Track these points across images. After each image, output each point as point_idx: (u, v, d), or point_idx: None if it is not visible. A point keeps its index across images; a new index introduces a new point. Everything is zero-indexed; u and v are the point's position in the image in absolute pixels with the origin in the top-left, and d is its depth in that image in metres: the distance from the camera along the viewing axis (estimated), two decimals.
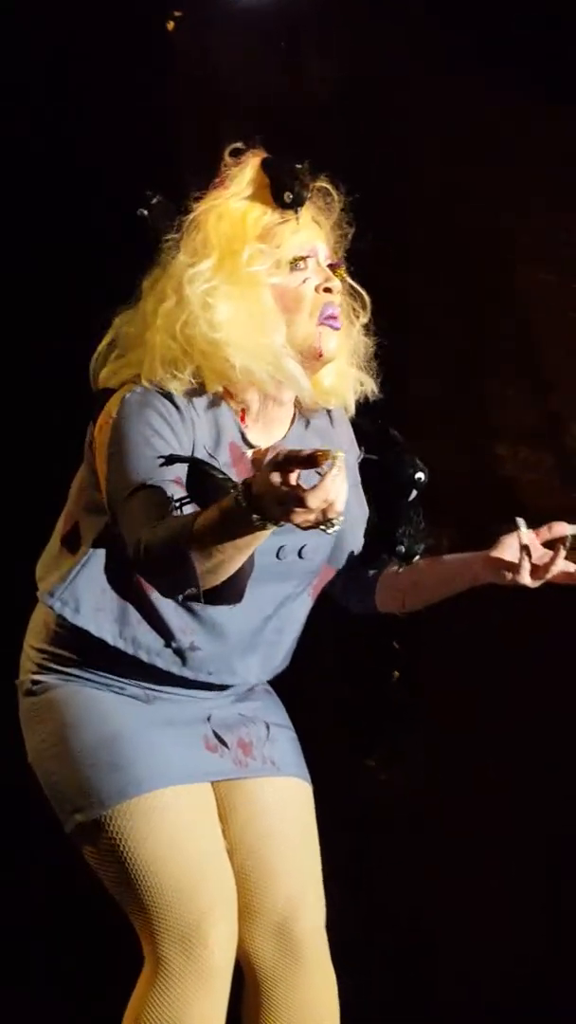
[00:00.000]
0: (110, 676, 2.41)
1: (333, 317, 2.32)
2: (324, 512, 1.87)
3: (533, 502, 3.97)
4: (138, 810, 2.31)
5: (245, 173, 2.41)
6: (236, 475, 2.24)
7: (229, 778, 2.41)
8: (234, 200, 2.38)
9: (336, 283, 2.35)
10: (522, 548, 2.27)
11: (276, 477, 1.89)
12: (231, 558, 2.06)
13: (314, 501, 1.85)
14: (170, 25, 4.09)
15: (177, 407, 2.27)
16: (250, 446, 2.36)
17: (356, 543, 2.49)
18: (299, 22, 4.10)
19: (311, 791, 2.51)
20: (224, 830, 2.43)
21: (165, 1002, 2.28)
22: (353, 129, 3.93)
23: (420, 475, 2.40)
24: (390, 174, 3.90)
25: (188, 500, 2.13)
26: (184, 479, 2.19)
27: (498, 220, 4.49)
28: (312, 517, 1.88)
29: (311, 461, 1.87)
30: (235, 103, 4.01)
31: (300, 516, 1.88)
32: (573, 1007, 3.87)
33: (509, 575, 2.31)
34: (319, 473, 1.86)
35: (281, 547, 2.31)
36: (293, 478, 1.89)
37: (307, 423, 2.40)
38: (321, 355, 2.31)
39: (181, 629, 2.34)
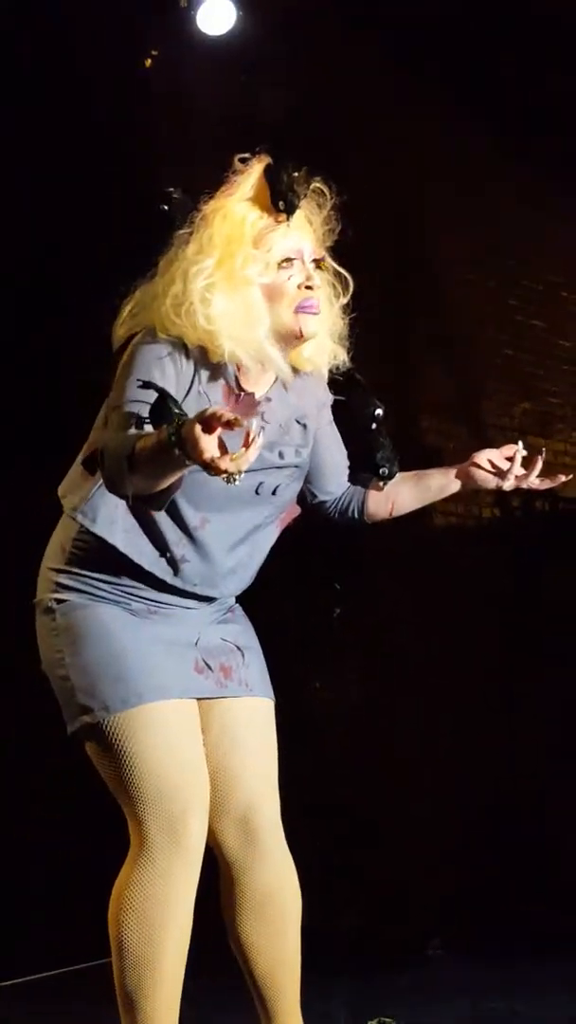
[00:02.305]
0: (119, 588, 2.60)
1: (309, 306, 2.61)
2: (230, 473, 2.28)
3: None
4: (138, 718, 2.54)
5: (250, 178, 2.62)
6: (226, 409, 2.56)
7: (211, 697, 2.65)
8: (237, 203, 2.61)
9: (316, 280, 2.66)
10: (510, 459, 2.70)
11: (198, 429, 2.21)
12: (158, 476, 2.37)
13: (222, 463, 2.26)
14: (148, 63, 4.68)
15: (186, 351, 2.62)
16: (241, 389, 2.62)
17: (337, 472, 2.83)
18: (259, 54, 4.69)
19: (273, 706, 2.80)
20: (202, 740, 2.65)
21: (150, 872, 2.53)
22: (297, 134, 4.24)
23: (378, 411, 2.77)
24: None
25: (149, 421, 2.50)
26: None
27: (421, 210, 5.11)
28: (215, 472, 2.27)
29: (229, 425, 2.19)
30: (205, 125, 4.60)
31: (210, 469, 2.28)
32: (504, 895, 4.58)
33: (494, 480, 2.71)
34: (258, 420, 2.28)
35: (260, 483, 2.66)
36: (214, 437, 2.24)
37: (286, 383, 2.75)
38: (302, 335, 2.65)
39: (174, 542, 2.59)
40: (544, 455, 2.73)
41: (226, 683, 2.65)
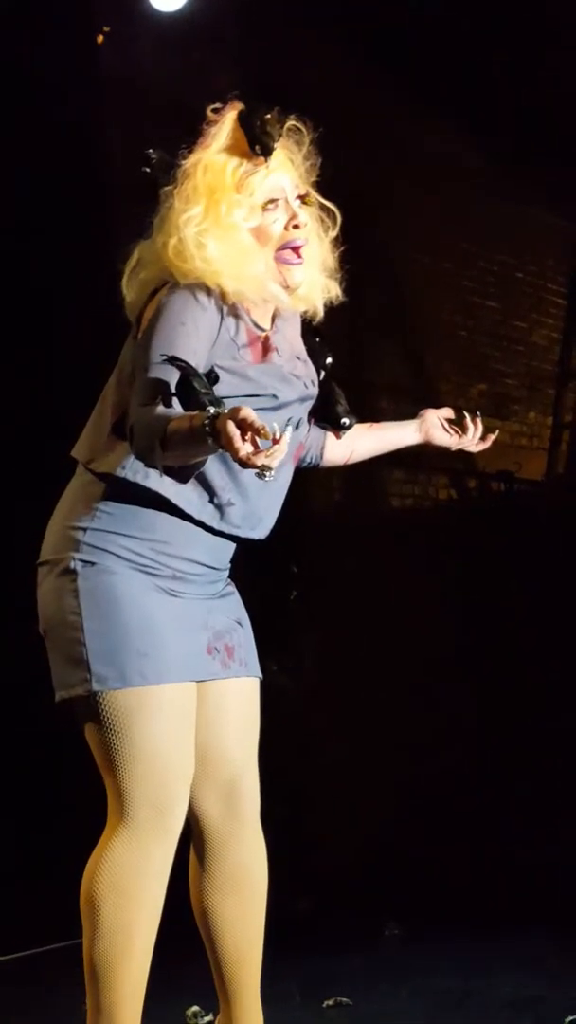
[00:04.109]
0: (149, 547, 2.61)
1: (294, 250, 2.66)
2: (263, 467, 2.35)
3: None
4: (149, 696, 2.56)
5: (224, 127, 2.65)
6: (252, 351, 2.66)
7: (216, 678, 2.69)
8: (216, 153, 2.65)
9: (302, 217, 2.70)
10: (453, 422, 2.86)
11: (232, 428, 2.30)
12: (189, 457, 2.51)
13: (257, 459, 2.33)
14: (99, 39, 4.70)
15: (208, 293, 2.65)
16: (260, 328, 2.68)
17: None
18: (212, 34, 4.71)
19: (259, 684, 2.82)
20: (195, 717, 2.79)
21: (130, 846, 2.55)
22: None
23: (329, 360, 2.85)
24: None
25: (176, 396, 2.55)
26: (190, 362, 2.57)
27: (376, 192, 5.08)
28: (250, 467, 2.36)
29: (257, 432, 2.32)
30: (156, 104, 4.57)
31: (245, 464, 2.35)
32: (459, 877, 4.66)
33: (451, 437, 2.84)
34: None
35: (289, 418, 2.71)
36: (248, 438, 2.31)
37: (279, 313, 2.78)
38: (288, 286, 2.69)
39: (221, 487, 2.63)
40: (478, 423, 2.86)
41: (230, 664, 2.69)
